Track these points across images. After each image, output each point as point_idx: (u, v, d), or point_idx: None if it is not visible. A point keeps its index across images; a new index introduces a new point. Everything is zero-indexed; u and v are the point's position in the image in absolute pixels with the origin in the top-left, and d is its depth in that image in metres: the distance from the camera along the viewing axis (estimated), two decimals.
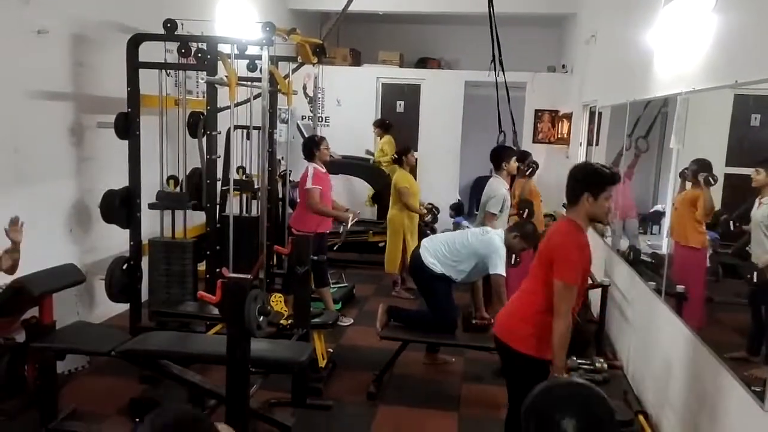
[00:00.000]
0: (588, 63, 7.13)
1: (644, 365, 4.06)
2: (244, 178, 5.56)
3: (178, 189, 4.61)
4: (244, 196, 5.74)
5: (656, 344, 3.80)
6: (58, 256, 4.03)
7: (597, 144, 6.35)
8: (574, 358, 4.25)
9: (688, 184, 3.51)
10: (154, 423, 1.29)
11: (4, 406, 3.39)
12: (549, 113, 8.88)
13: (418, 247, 4.39)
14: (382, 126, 8.29)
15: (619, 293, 4.81)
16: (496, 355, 4.20)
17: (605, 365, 4.33)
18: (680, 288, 3.49)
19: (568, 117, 8.39)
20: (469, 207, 9.68)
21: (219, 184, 4.76)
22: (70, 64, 4.39)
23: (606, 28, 6.28)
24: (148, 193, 4.51)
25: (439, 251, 4.20)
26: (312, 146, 5.10)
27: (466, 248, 4.17)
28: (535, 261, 2.83)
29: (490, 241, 4.13)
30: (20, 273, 3.42)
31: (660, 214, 4.25)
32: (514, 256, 4.36)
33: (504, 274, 4.11)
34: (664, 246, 3.96)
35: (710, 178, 3.22)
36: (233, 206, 4.83)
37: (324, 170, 5.11)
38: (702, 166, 3.33)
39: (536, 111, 8.90)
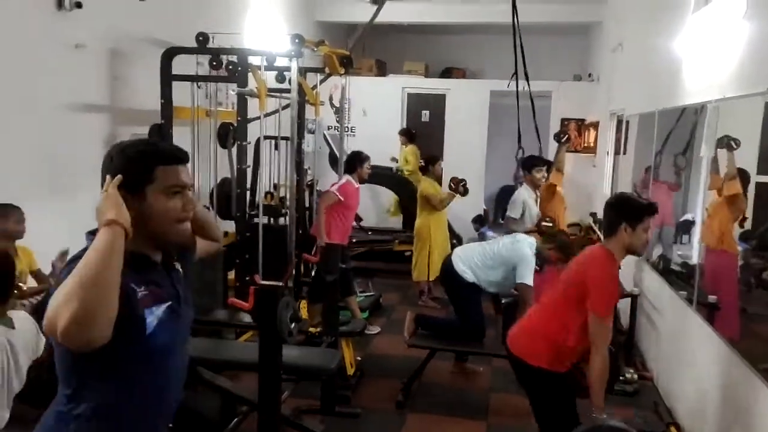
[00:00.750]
0: (615, 71, 7.09)
1: (675, 375, 4.00)
2: (272, 203, 5.49)
3: None
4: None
5: (688, 354, 3.75)
6: None
7: (624, 153, 6.30)
8: None
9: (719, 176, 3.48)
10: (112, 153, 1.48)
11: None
12: (575, 122, 8.83)
13: (451, 254, 4.42)
14: (408, 135, 8.35)
15: (649, 303, 4.75)
16: None
17: (635, 376, 4.28)
18: (712, 298, 3.45)
19: (595, 126, 8.34)
20: (494, 216, 9.64)
21: (248, 193, 4.82)
22: (107, 77, 4.51)
23: (633, 36, 6.24)
24: None
25: (472, 260, 4.22)
26: (356, 161, 5.15)
27: (498, 256, 4.18)
28: (563, 279, 2.76)
29: (520, 249, 4.14)
30: None
31: (690, 224, 4.20)
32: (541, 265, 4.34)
33: (531, 284, 4.10)
34: (695, 255, 3.91)
35: (732, 143, 3.25)
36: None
37: (357, 186, 5.14)
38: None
39: (562, 120, 8.85)
